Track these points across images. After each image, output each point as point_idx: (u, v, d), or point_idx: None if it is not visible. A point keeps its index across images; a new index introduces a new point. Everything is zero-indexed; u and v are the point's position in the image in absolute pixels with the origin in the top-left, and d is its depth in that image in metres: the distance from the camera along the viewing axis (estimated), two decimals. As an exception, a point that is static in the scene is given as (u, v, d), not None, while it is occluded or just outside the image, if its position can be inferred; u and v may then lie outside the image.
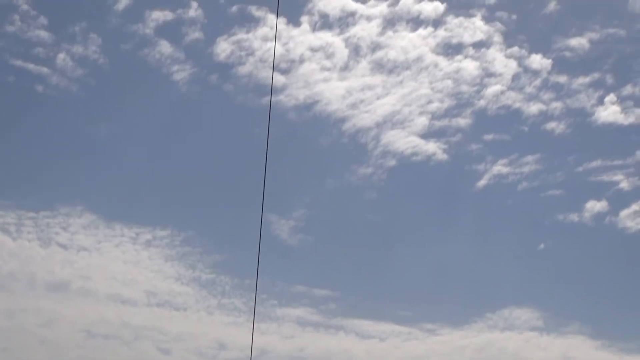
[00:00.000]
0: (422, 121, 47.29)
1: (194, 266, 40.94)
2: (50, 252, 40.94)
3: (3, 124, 44.29)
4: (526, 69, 48.30)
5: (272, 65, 41.08)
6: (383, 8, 48.19)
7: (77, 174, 44.84)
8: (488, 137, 47.83)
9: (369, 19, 47.93)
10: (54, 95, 45.62)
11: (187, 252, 41.38)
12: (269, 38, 46.36)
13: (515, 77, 48.04)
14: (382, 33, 47.88)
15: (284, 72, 46.70)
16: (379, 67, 48.12)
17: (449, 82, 47.93)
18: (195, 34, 47.15)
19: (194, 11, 47.36)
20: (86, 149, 46.20)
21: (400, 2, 48.42)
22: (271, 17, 46.41)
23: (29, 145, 44.93)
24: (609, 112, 46.41)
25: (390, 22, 48.03)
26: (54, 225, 40.82)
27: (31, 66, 44.11)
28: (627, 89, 46.91)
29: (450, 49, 48.31)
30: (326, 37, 47.66)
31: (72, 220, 41.73)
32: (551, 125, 46.86)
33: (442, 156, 46.71)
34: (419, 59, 48.04)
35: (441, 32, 48.33)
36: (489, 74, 48.24)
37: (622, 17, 47.75)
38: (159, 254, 41.43)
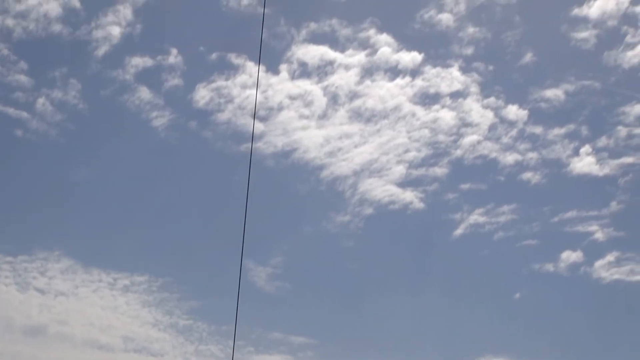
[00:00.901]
0: (399, 170, 47.12)
1: (172, 312, 40.82)
2: (27, 296, 40.78)
3: None
4: (502, 120, 48.27)
5: (250, 112, 43.93)
6: (361, 57, 48.43)
7: (56, 218, 44.74)
8: (464, 186, 47.67)
9: (347, 68, 48.21)
10: (33, 140, 45.54)
11: (165, 297, 41.34)
12: (248, 85, 46.39)
13: (492, 127, 48.03)
14: (360, 82, 48.07)
15: (263, 119, 46.38)
16: (357, 115, 48.21)
17: (426, 132, 47.95)
18: (175, 81, 47.34)
19: (173, 58, 47.41)
20: (65, 193, 46.12)
21: (379, 52, 48.57)
22: (250, 65, 46.67)
23: (7, 190, 44.96)
24: (584, 163, 46.40)
25: (368, 72, 48.29)
26: (31, 270, 40.80)
27: (11, 110, 44.29)
28: (602, 141, 46.97)
29: (428, 99, 48.32)
30: (305, 85, 47.78)
31: (50, 265, 41.52)
32: (527, 175, 46.78)
33: (418, 205, 46.53)
34: (396, 108, 48.09)
35: (419, 82, 48.32)
36: (466, 124, 48.14)
37: (596, 70, 48.34)
38: (137, 299, 41.29)
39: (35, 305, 40.30)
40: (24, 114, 44.72)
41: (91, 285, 41.40)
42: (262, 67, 45.22)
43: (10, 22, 45.25)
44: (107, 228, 45.38)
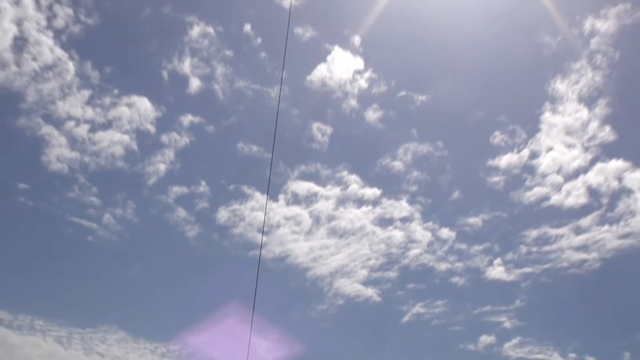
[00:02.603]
0: (363, 273, 47.81)
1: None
2: (92, 359, 42.57)
3: (63, 264, 45.45)
4: (437, 238, 48.98)
5: (256, 228, 46.99)
6: (337, 191, 49.13)
7: (114, 301, 45.89)
8: (410, 286, 48.51)
9: (327, 198, 48.95)
10: (100, 244, 45.68)
11: (191, 363, 43.38)
12: (255, 209, 47.65)
13: (430, 243, 48.76)
14: (336, 209, 48.81)
15: (266, 233, 46.29)
16: (333, 232, 48.68)
17: (382, 246, 48.57)
18: (203, 204, 48.55)
19: (202, 187, 48.66)
20: (122, 283, 47.01)
21: (349, 187, 49.31)
22: (257, 194, 48.03)
23: (80, 280, 45.62)
24: (496, 271, 47.50)
25: (341, 201, 49.05)
26: (95, 339, 42.80)
27: (84, 222, 45.09)
28: (509, 255, 48.15)
29: (384, 222, 48.97)
30: (296, 210, 48.56)
31: (109, 336, 43.19)
32: (455, 279, 47.96)
33: (377, 298, 47.30)
34: (361, 228, 48.72)
35: (378, 210, 49.12)
36: (411, 241, 48.73)
37: (505, 205, 49.49)
38: (171, 364, 43.98)
39: (98, 366, 42.73)
40: (94, 225, 45.16)
41: (138, 352, 43.29)
42: (265, 197, 47.13)
43: (87, 158, 45.75)
44: (150, 309, 46.56)
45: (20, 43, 43.73)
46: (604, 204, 46.63)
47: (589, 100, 47.79)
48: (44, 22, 44.17)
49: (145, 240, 47.86)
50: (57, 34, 44.71)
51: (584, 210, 46.67)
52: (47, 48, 44.29)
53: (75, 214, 44.69)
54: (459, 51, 49.28)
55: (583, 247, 46.17)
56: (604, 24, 46.36)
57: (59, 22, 44.51)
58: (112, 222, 45.44)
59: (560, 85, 48.10)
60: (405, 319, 46.74)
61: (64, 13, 44.56)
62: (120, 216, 45.92)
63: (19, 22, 43.23)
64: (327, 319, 47.15)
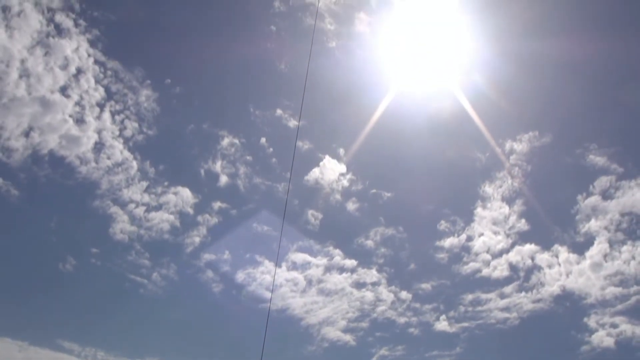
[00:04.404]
0: (343, 323, 49.69)
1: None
2: None
3: (121, 309, 47.49)
4: (398, 299, 50.96)
5: (266, 287, 49.31)
6: (325, 261, 51.46)
7: (158, 338, 48.04)
8: (378, 334, 50.19)
9: (317, 266, 51.24)
10: (149, 295, 48.30)
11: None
12: (264, 272, 49.84)
13: (393, 302, 50.79)
14: (324, 274, 51.02)
15: (272, 291, 48.91)
16: (321, 292, 50.76)
17: (357, 303, 50.58)
18: (226, 268, 51.01)
19: (226, 255, 51.22)
20: (165, 325, 49.28)
21: (334, 259, 51.76)
22: (266, 262, 50.69)
23: (134, 321, 47.81)
24: (443, 325, 49.59)
25: (328, 269, 51.39)
26: None
27: (138, 279, 47.47)
28: (451, 313, 50.39)
29: (359, 285, 50.97)
30: (294, 274, 50.97)
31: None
32: (411, 329, 49.73)
33: (353, 343, 49.28)
34: (342, 289, 50.73)
35: (354, 276, 51.27)
36: (379, 300, 50.81)
37: (448, 275, 52.57)
38: None
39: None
40: (145, 281, 47.54)
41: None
42: (272, 264, 49.82)
43: (142, 231, 49.10)
44: (186, 345, 48.11)
45: (99, 146, 48.45)
46: (521, 276, 50.71)
47: (509, 200, 53.11)
48: (117, 132, 49.47)
49: (183, 293, 50.34)
50: (126, 140, 49.64)
51: (507, 280, 50.45)
52: (118, 150, 49.18)
53: (132, 272, 47.62)
54: (415, 161, 54.93)
55: (506, 309, 49.28)
56: (520, 145, 53.15)
57: (128, 132, 48.92)
58: (158, 279, 48.45)
59: (488, 189, 53.77)
60: (374, 359, 49.33)
61: (131, 126, 48.67)
62: (165, 275, 48.78)
63: (99, 132, 47.99)
64: (315, 358, 48.90)
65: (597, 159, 50.96)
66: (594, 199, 50.31)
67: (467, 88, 49.87)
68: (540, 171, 52.98)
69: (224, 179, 51.52)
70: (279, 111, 53.51)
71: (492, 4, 49.61)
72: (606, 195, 50.29)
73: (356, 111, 51.62)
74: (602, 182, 50.90)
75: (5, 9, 42.41)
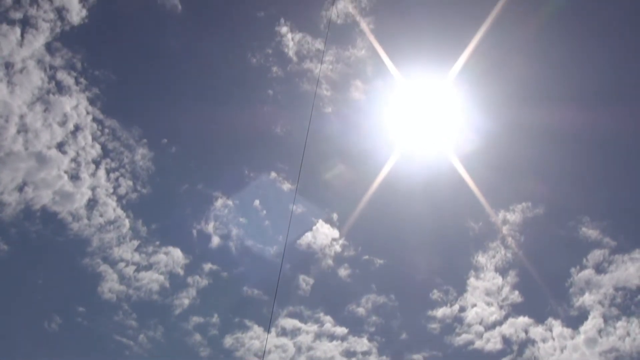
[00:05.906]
0: None
1: None
2: None
3: None
4: None
5: (254, 353, 48.09)
6: (315, 327, 49.88)
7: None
8: None
9: (307, 332, 49.56)
10: (135, 358, 45.25)
11: None
12: (253, 337, 46.07)
13: None
14: (314, 341, 49.36)
15: (260, 357, 46.70)
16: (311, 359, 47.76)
17: None
18: (214, 331, 49.22)
19: (214, 319, 49.28)
20: None
21: (324, 326, 50.33)
22: (255, 326, 47.17)
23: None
24: None
25: (318, 336, 49.63)
26: None
27: (124, 340, 45.13)
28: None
29: (350, 354, 49.46)
30: (284, 340, 49.18)
31: None
32: None
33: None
34: (332, 357, 49.24)
35: (345, 344, 49.67)
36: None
37: (440, 346, 50.58)
38: None
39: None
40: (131, 342, 45.39)
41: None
42: (261, 329, 48.45)
43: (131, 291, 45.61)
44: None
45: (92, 203, 47.87)
46: (515, 349, 48.84)
47: (502, 271, 52.01)
48: (111, 190, 49.03)
49: (169, 356, 48.86)
50: (120, 198, 49.16)
51: (500, 353, 49.11)
52: (111, 208, 48.51)
53: (118, 333, 45.16)
54: (409, 229, 54.05)
55: (501, 381, 46.51)
56: (513, 216, 52.81)
57: (122, 190, 49.39)
58: (145, 341, 47.22)
59: (481, 259, 52.79)
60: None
61: (126, 184, 49.49)
62: (152, 337, 47.64)
63: (93, 189, 48.30)
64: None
65: (590, 232, 51.56)
66: (588, 272, 51.12)
67: (462, 155, 51.32)
68: (534, 242, 53.20)
69: (215, 241, 51.55)
70: (273, 174, 53.72)
71: (488, 73, 51.15)
72: (600, 269, 51.17)
73: (351, 176, 52.57)
74: (596, 255, 51.25)
75: (8, 65, 43.65)
